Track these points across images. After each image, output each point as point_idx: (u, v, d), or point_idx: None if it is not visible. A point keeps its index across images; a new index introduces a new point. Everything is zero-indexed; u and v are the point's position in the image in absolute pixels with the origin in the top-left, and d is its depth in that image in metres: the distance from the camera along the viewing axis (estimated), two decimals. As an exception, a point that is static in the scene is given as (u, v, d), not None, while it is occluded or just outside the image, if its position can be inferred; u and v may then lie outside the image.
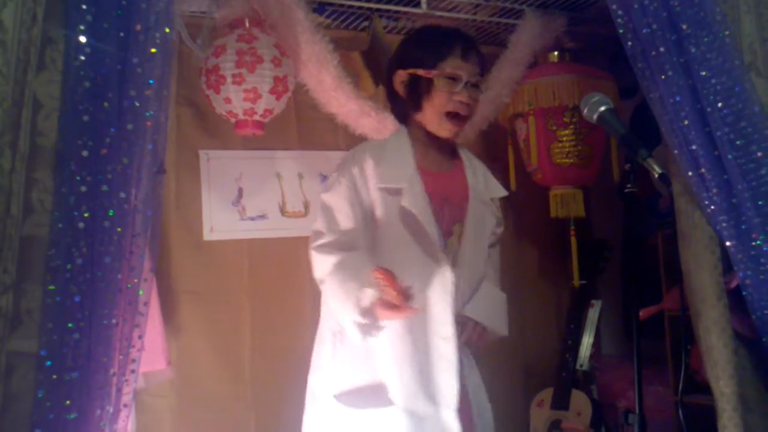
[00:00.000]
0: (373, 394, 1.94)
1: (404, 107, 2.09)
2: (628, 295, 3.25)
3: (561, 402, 3.07)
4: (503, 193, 2.18)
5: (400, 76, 2.04)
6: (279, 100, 2.38)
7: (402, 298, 1.71)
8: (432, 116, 2.01)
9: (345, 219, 1.96)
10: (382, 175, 1.97)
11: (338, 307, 1.90)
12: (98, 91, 1.45)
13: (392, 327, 1.90)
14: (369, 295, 1.78)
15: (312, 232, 2.00)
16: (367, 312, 1.80)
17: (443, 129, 2.02)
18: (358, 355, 1.97)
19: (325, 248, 1.94)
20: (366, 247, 1.97)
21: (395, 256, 1.95)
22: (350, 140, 2.75)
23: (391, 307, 1.74)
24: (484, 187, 2.12)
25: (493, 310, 2.08)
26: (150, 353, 2.18)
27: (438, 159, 2.09)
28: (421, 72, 1.99)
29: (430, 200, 1.98)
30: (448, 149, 2.12)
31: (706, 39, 1.98)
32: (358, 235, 1.96)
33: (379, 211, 1.98)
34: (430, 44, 2.02)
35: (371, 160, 1.99)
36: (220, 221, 2.72)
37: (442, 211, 2.01)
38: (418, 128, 2.07)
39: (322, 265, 1.92)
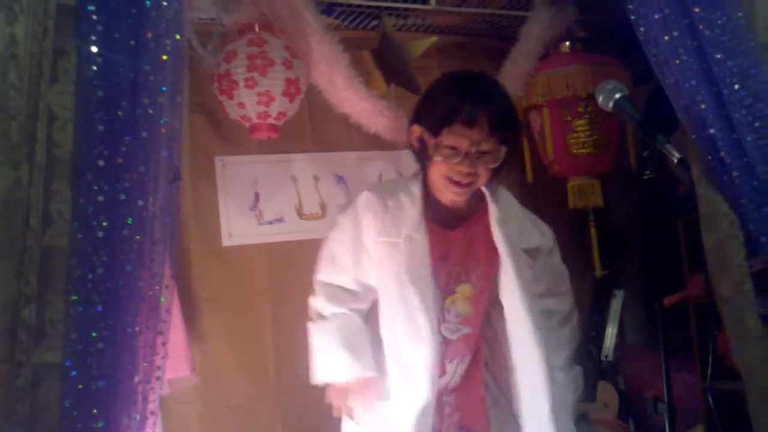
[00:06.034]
0: None
1: (419, 159, 2.05)
2: (651, 284, 3.22)
3: (587, 394, 3.04)
4: (536, 242, 2.11)
5: (414, 132, 1.98)
6: (292, 102, 2.38)
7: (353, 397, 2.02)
8: (435, 179, 1.97)
9: (342, 270, 2.10)
10: (385, 226, 1.99)
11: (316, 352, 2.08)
12: (112, 100, 1.46)
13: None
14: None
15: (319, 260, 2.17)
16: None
17: (444, 195, 1.99)
18: None
19: (326, 290, 2.13)
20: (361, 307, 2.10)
21: (387, 316, 2.02)
22: (364, 140, 2.75)
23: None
24: (517, 237, 2.04)
25: None
26: (174, 360, 2.18)
27: (449, 215, 2.04)
28: (425, 136, 1.93)
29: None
30: (466, 203, 2.04)
31: (719, 21, 1.96)
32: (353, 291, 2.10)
33: (378, 265, 2.01)
34: (437, 106, 1.92)
35: (377, 208, 2.01)
36: (238, 226, 2.72)
37: (437, 270, 1.97)
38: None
39: (319, 305, 2.14)
